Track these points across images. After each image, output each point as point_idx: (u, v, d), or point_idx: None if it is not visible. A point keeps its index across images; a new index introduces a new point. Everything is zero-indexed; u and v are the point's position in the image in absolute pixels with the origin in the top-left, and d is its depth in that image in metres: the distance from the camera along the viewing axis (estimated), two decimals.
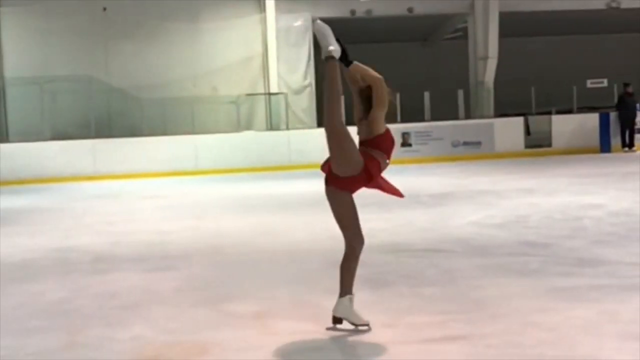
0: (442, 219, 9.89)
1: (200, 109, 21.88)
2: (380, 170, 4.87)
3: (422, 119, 22.24)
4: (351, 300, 4.89)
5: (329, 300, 5.06)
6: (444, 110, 22.30)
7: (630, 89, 22.12)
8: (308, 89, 23.05)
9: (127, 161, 20.00)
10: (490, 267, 6.77)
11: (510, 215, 9.91)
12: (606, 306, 5.24)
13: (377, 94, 4.82)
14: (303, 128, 22.02)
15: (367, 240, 5.00)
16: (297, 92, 22.91)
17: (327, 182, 4.91)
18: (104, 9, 21.95)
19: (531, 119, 22.62)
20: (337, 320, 4.90)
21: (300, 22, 22.95)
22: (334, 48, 4.75)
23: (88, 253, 8.41)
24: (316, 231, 9.07)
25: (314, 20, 4.97)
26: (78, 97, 21.83)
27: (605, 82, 23.84)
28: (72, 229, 10.55)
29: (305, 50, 23.00)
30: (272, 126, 22.27)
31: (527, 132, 22.25)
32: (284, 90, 22.64)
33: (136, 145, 20.29)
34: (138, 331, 5.12)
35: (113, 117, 21.75)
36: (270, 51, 22.53)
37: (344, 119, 4.85)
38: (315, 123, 22.33)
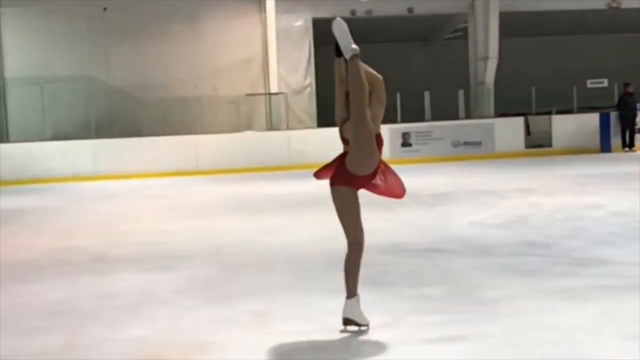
0: (442, 219, 9.89)
1: (200, 109, 21.87)
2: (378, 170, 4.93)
3: (422, 119, 22.20)
4: (358, 301, 4.89)
5: (329, 301, 5.06)
6: (444, 110, 22.27)
7: (630, 89, 22.08)
8: (308, 89, 23.02)
9: (127, 161, 19.98)
10: (490, 267, 6.77)
11: (511, 215, 9.90)
12: (606, 306, 5.23)
13: (379, 94, 4.88)
14: (303, 128, 21.99)
15: (367, 240, 4.98)
16: (297, 92, 22.88)
17: (330, 182, 4.94)
18: (104, 9, 21.93)
19: (531, 119, 22.58)
20: (347, 321, 4.87)
21: (300, 22, 22.94)
22: (357, 46, 4.83)
23: (88, 253, 8.40)
24: (316, 231, 9.07)
25: (333, 18, 5.02)
26: (78, 97, 21.80)
27: (605, 82, 23.82)
28: (72, 229, 10.54)
29: (305, 51, 22.98)
30: (272, 126, 22.25)
31: (528, 132, 22.22)
32: (284, 90, 22.62)
33: (136, 145, 20.26)
34: (138, 331, 5.12)
35: (113, 117, 21.70)
36: (271, 51, 22.50)
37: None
38: (315, 123, 22.33)
